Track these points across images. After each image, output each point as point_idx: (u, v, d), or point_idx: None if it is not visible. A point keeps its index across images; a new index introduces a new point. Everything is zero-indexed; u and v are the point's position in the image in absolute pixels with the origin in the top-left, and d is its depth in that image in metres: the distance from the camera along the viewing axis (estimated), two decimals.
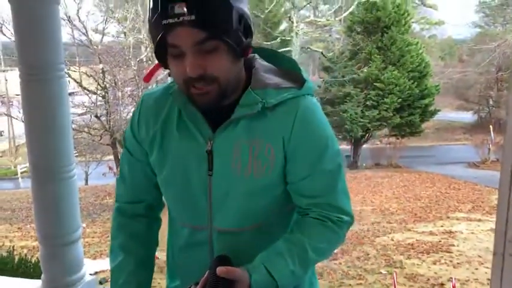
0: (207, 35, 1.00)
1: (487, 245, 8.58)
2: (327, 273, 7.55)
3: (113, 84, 16.05)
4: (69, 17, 15.85)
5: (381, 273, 7.60)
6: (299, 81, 1.17)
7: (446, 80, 29.32)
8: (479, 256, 8.12)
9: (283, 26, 23.21)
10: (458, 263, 7.87)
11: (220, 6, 0.99)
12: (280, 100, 1.12)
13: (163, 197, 1.29)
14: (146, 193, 1.29)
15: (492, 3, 28.99)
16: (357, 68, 20.05)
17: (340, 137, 20.41)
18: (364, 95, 20.07)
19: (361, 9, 20.56)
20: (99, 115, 16.50)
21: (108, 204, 13.94)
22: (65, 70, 1.46)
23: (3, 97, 26.80)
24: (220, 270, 1.04)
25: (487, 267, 7.43)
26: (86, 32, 16.70)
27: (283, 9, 22.13)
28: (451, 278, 6.77)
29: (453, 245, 8.84)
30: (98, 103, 16.87)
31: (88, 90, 16.98)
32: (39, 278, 1.53)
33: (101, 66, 16.51)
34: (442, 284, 7.00)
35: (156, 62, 1.12)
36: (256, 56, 1.21)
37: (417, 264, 7.93)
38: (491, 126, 22.71)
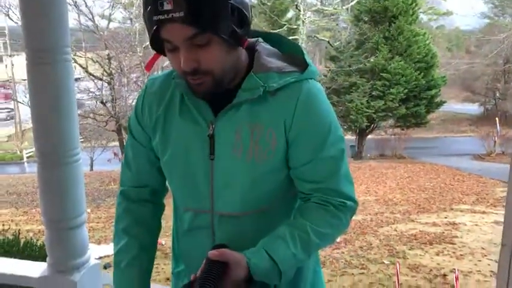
0: (197, 31, 0.99)
1: (490, 237, 8.58)
2: (330, 262, 7.58)
3: (119, 70, 16.06)
4: (76, 2, 15.82)
5: (383, 263, 7.61)
6: (302, 65, 1.15)
7: (453, 71, 29.17)
8: (483, 248, 8.11)
9: (290, 14, 23.05)
10: (461, 255, 7.87)
11: (209, 0, 0.98)
12: (283, 84, 1.11)
13: (166, 182, 1.29)
14: (150, 178, 1.29)
15: None
16: (363, 58, 19.95)
17: (345, 127, 20.40)
18: (370, 85, 19.99)
19: None
20: (104, 101, 16.53)
21: (113, 190, 14.02)
22: (71, 55, 1.45)
23: (10, 82, 26.89)
24: (213, 253, 1.04)
25: (490, 259, 7.43)
26: (92, 17, 16.69)
27: None
28: (454, 269, 6.77)
29: (456, 237, 8.83)
30: (104, 89, 16.91)
31: (94, 76, 17.00)
32: (45, 261, 1.54)
33: (106, 52, 16.50)
34: (445, 275, 7.00)
35: None
36: (260, 39, 1.19)
37: (420, 255, 7.93)
38: (497, 119, 22.64)
